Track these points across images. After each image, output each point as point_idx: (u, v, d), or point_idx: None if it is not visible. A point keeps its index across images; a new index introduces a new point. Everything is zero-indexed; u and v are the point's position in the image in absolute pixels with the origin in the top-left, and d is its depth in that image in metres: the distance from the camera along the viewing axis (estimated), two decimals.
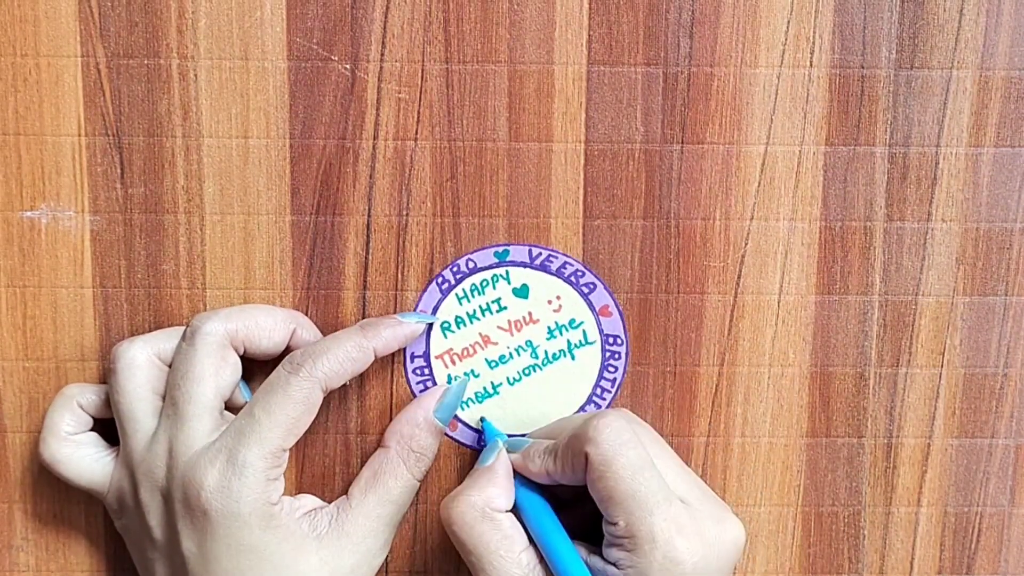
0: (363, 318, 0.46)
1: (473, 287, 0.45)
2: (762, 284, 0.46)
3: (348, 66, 0.44)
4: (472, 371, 0.45)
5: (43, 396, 0.46)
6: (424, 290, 0.45)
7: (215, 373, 0.42)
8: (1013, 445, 0.47)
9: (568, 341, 0.45)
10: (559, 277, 0.45)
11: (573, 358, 0.45)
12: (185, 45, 0.44)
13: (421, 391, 0.45)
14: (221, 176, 0.45)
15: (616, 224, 0.45)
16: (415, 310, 0.45)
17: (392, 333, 0.43)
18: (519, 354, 0.45)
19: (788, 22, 0.44)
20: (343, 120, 0.45)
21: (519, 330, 0.45)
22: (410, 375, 0.45)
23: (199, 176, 0.45)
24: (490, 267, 0.45)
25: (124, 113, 0.44)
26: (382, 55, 0.44)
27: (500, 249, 0.45)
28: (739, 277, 0.46)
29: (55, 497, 0.47)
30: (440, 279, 0.45)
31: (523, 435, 0.45)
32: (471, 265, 0.45)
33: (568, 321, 0.45)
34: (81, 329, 0.46)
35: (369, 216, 0.45)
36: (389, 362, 0.46)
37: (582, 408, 0.46)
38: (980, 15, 0.44)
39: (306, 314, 0.46)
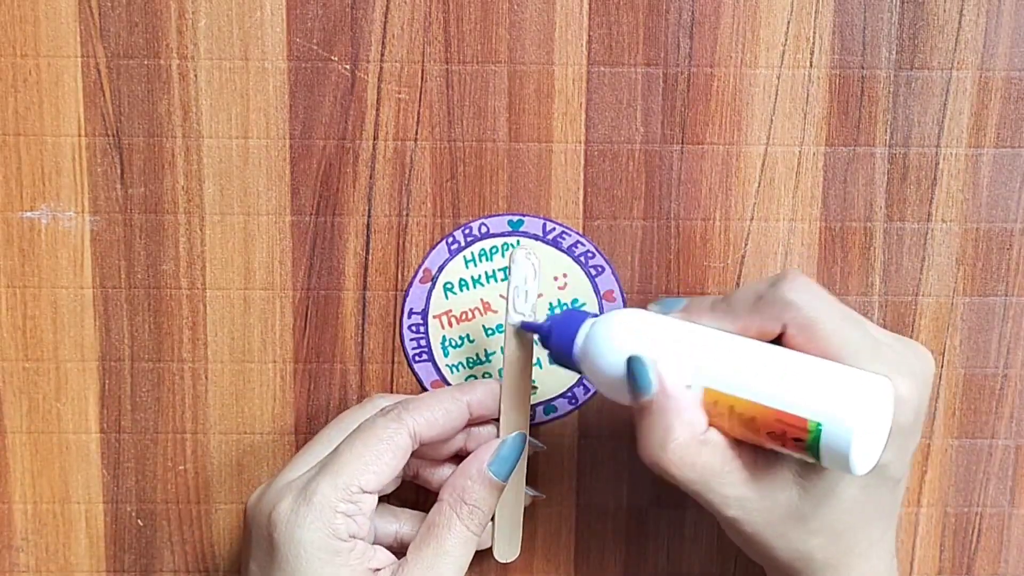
0: (363, 318, 0.46)
1: (482, 252, 0.45)
2: None
3: (348, 66, 0.44)
4: (467, 336, 0.45)
5: (43, 397, 0.46)
6: (433, 247, 0.45)
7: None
8: (1013, 445, 0.47)
9: None
10: (568, 255, 0.45)
11: None
12: (185, 45, 0.44)
13: (414, 350, 0.45)
14: (221, 176, 0.45)
15: (616, 224, 0.45)
16: (419, 267, 0.45)
17: (488, 390, 0.42)
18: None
19: (788, 23, 0.44)
20: (343, 120, 0.45)
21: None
22: (405, 331, 0.45)
23: (199, 176, 0.45)
24: (502, 235, 0.45)
25: (124, 113, 0.44)
26: (382, 55, 0.44)
27: (515, 218, 0.44)
28: (739, 278, 0.46)
29: (55, 497, 0.47)
30: (450, 239, 0.45)
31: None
32: (483, 230, 0.45)
33: (571, 300, 0.45)
34: (81, 329, 0.46)
35: (369, 216, 0.45)
36: (389, 356, 0.46)
37: (570, 389, 0.46)
38: (980, 16, 0.44)
39: (306, 315, 0.46)
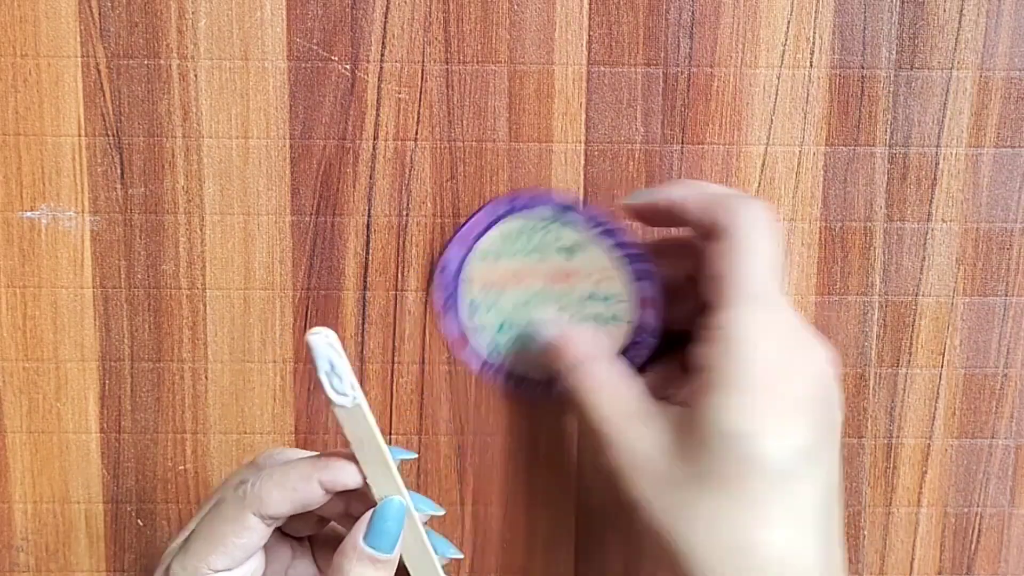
0: (363, 318, 0.46)
1: (522, 229, 0.44)
2: None
3: (348, 66, 0.44)
4: (496, 304, 0.45)
5: (43, 397, 0.46)
6: (473, 214, 0.44)
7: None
8: (1013, 445, 0.47)
9: (599, 313, 0.44)
10: (614, 253, 0.44)
11: (601, 325, 0.44)
12: (185, 45, 0.44)
13: (442, 305, 0.45)
14: (221, 176, 0.45)
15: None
16: (457, 231, 0.44)
17: (342, 467, 0.38)
18: (547, 304, 0.45)
19: (788, 22, 0.44)
20: (343, 120, 0.45)
21: (555, 282, 0.44)
22: (436, 288, 0.45)
23: (199, 176, 0.45)
24: (547, 218, 0.44)
25: (124, 113, 0.44)
26: (382, 55, 0.44)
27: (566, 204, 0.44)
28: None
29: (55, 497, 0.47)
30: (491, 208, 0.44)
31: None
32: (529, 205, 0.44)
33: (605, 296, 0.44)
34: (81, 330, 0.46)
35: (369, 216, 0.45)
36: (389, 356, 0.46)
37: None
38: (980, 15, 0.44)
39: (306, 315, 0.46)
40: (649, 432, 0.37)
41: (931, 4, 0.44)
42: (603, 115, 0.45)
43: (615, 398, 0.39)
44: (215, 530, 0.38)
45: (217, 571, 0.38)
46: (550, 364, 0.42)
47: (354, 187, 0.45)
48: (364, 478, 0.38)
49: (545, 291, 0.44)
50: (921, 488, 0.48)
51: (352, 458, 0.38)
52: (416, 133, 0.45)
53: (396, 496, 0.38)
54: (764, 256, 0.37)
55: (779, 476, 0.35)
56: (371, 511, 0.38)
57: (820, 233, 0.46)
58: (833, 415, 0.37)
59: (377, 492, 0.38)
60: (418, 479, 0.47)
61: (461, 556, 0.43)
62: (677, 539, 0.36)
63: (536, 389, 0.45)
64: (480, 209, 0.44)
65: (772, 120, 0.45)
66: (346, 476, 0.38)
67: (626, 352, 0.44)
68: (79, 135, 0.44)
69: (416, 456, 0.46)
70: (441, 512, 0.40)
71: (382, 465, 0.38)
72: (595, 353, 0.41)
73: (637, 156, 0.45)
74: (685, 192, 0.40)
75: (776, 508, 0.35)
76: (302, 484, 0.38)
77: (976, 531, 0.48)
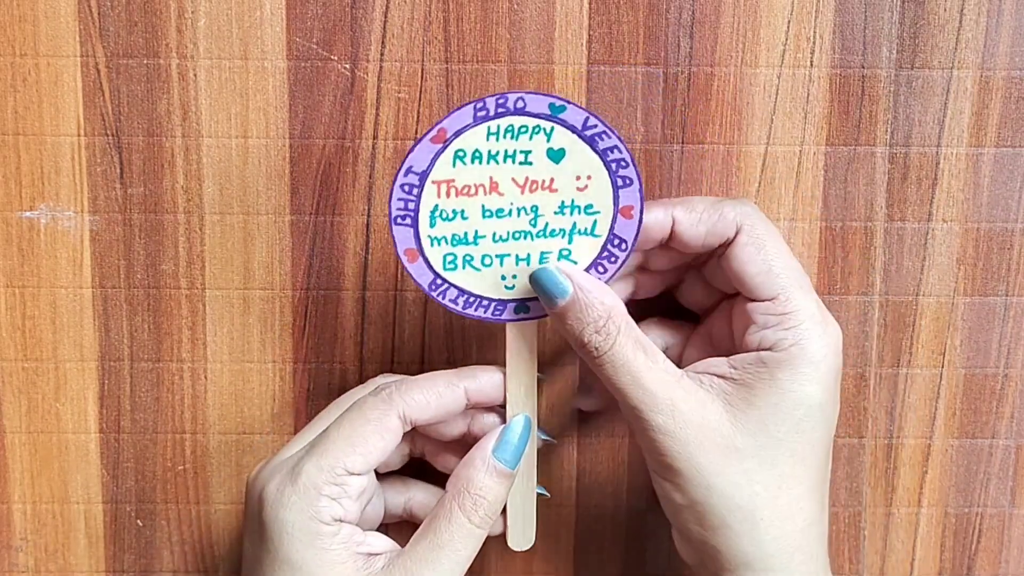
0: (363, 318, 0.46)
1: (509, 127, 0.40)
2: None
3: (348, 66, 0.44)
4: (462, 212, 0.41)
5: (42, 397, 0.46)
6: (457, 109, 0.39)
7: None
8: (1013, 446, 0.47)
9: (574, 224, 0.41)
10: (600, 157, 0.40)
11: (570, 242, 0.41)
12: (185, 45, 0.44)
13: (399, 210, 0.40)
14: (220, 176, 0.45)
15: None
16: (435, 125, 0.39)
17: (489, 379, 0.41)
18: (519, 215, 0.41)
19: (788, 22, 0.44)
20: (343, 120, 0.44)
21: (532, 191, 0.41)
22: (396, 188, 0.40)
23: (198, 176, 0.45)
24: (538, 116, 0.40)
25: (124, 113, 0.44)
26: (382, 55, 0.44)
27: (558, 103, 0.40)
28: None
29: (54, 497, 0.47)
30: (480, 105, 0.39)
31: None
32: (519, 104, 0.40)
33: (585, 205, 0.41)
34: (80, 329, 0.46)
35: (369, 216, 0.45)
36: (389, 356, 0.46)
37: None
38: (981, 15, 0.44)
39: (305, 315, 0.46)
40: (702, 402, 0.39)
41: (932, 3, 0.44)
42: (603, 114, 0.44)
43: (656, 366, 0.39)
44: (356, 430, 0.39)
45: (352, 473, 0.39)
46: (566, 316, 0.39)
47: (354, 186, 0.45)
48: (504, 394, 0.41)
49: (520, 200, 0.41)
50: (921, 488, 0.48)
51: (495, 374, 0.41)
52: (416, 132, 0.45)
53: (527, 415, 0.41)
54: (783, 245, 0.40)
55: (831, 443, 0.41)
56: (502, 426, 0.41)
57: (820, 233, 0.46)
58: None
59: (511, 410, 0.41)
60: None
61: (547, 495, 0.44)
62: (742, 506, 0.39)
63: (490, 311, 0.42)
64: (464, 104, 0.40)
65: (772, 120, 0.45)
66: (492, 387, 0.41)
67: (595, 264, 0.41)
68: (78, 135, 0.44)
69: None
70: (554, 441, 0.44)
71: (528, 384, 0.41)
72: (622, 313, 0.40)
73: (637, 155, 0.45)
74: (673, 216, 0.41)
75: (823, 471, 0.40)
76: (447, 390, 0.40)
77: (976, 531, 0.48)
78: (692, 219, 0.40)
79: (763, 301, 0.39)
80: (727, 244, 0.40)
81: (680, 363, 0.43)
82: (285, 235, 0.45)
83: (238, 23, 0.44)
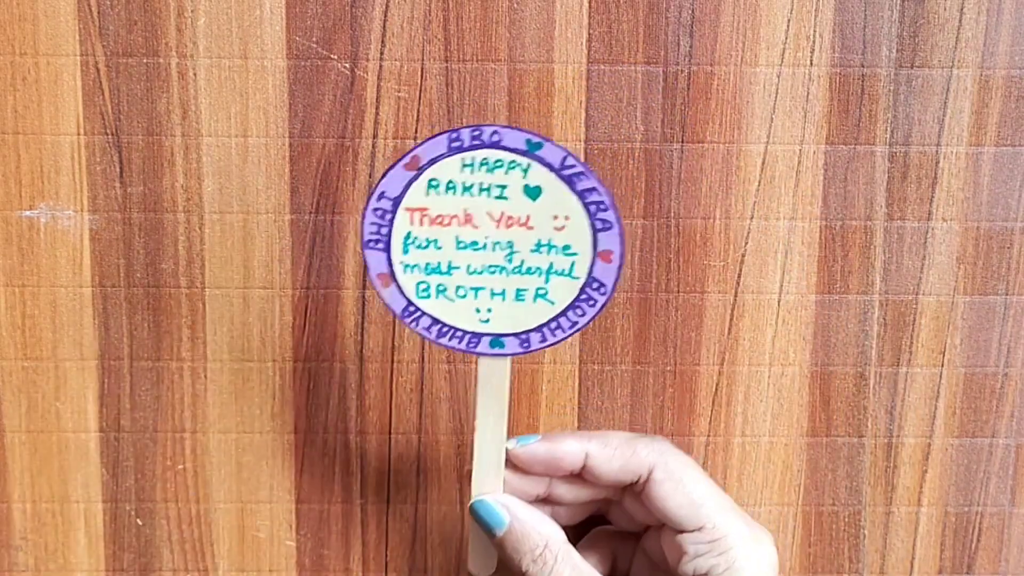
0: (363, 317, 0.46)
1: (485, 160, 0.39)
2: (762, 283, 0.46)
3: (348, 65, 0.44)
4: (436, 242, 0.40)
5: (42, 396, 0.46)
6: (431, 137, 0.39)
7: None
8: (1013, 445, 0.47)
9: (551, 264, 0.40)
10: (579, 198, 0.39)
11: (547, 282, 0.40)
12: (184, 44, 0.44)
13: (371, 235, 0.40)
14: (220, 175, 0.45)
15: None
16: (409, 152, 0.39)
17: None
18: (494, 250, 0.40)
19: (788, 21, 0.44)
20: (343, 119, 0.44)
21: (508, 226, 0.40)
22: (368, 213, 0.40)
23: (198, 175, 0.45)
24: (514, 151, 0.39)
25: (123, 112, 0.44)
26: (382, 54, 0.44)
27: (535, 139, 0.39)
28: (739, 276, 0.46)
29: (54, 496, 0.47)
30: (454, 136, 0.39)
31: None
32: (495, 138, 0.39)
33: (563, 245, 0.40)
34: (80, 328, 0.46)
35: None
36: (389, 355, 0.46)
37: (526, 333, 0.41)
38: (981, 14, 0.44)
39: (305, 314, 0.46)
40: None
41: (931, 2, 0.44)
42: (603, 113, 0.44)
43: None
44: None
45: None
46: (504, 546, 0.41)
47: (354, 185, 0.45)
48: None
49: (495, 235, 0.40)
50: (921, 487, 0.48)
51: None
52: (416, 131, 0.45)
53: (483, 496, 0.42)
54: (700, 474, 0.40)
55: None
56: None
57: (820, 232, 0.46)
58: None
59: (479, 440, 0.41)
60: (418, 479, 0.47)
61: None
62: None
63: (464, 343, 0.41)
64: (439, 134, 0.39)
65: (772, 119, 0.45)
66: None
67: (572, 307, 0.41)
68: (78, 133, 0.44)
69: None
70: (536, 439, 0.43)
71: (498, 414, 0.41)
72: (560, 541, 0.41)
73: (637, 155, 0.45)
74: (585, 449, 0.41)
75: None
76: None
77: (976, 530, 0.48)
78: (606, 454, 0.41)
79: (691, 532, 0.40)
80: (643, 482, 0.40)
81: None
82: (285, 234, 0.45)
83: (238, 22, 0.44)
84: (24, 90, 0.44)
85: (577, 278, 0.40)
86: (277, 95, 0.44)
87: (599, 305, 0.40)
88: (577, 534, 0.43)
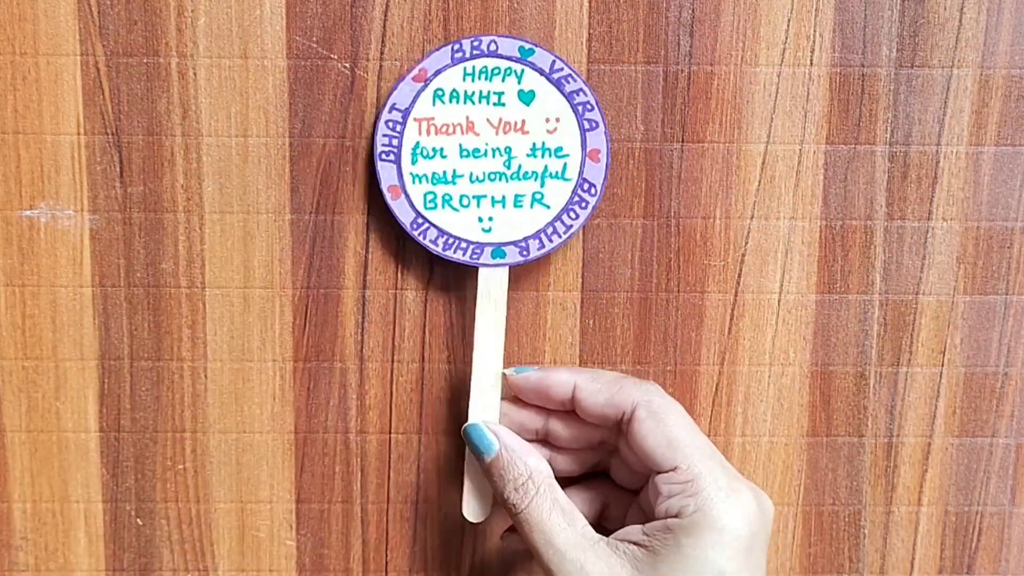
0: (363, 317, 0.46)
1: (483, 69, 0.43)
2: (762, 283, 0.46)
3: (348, 64, 0.44)
4: (441, 150, 0.43)
5: (42, 396, 0.46)
6: (436, 49, 0.43)
7: None
8: (1014, 444, 0.47)
9: (545, 167, 0.43)
10: (568, 100, 0.43)
11: (542, 185, 0.43)
12: (184, 44, 0.44)
13: (384, 147, 0.43)
14: (220, 175, 0.45)
15: (616, 223, 0.45)
16: (416, 65, 0.43)
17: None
18: (494, 156, 0.43)
19: (788, 21, 0.44)
20: (343, 118, 0.44)
21: (506, 132, 0.43)
22: (380, 125, 0.43)
23: (198, 175, 0.45)
24: (509, 59, 0.43)
25: (123, 112, 0.44)
26: (382, 53, 0.44)
27: (528, 46, 0.43)
28: (739, 276, 0.46)
29: (54, 496, 0.47)
30: (456, 46, 0.43)
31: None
32: (492, 47, 0.43)
33: (555, 148, 0.43)
34: (80, 328, 0.46)
35: (369, 215, 0.45)
36: (389, 354, 0.46)
37: (525, 240, 0.44)
38: (981, 14, 0.44)
39: (305, 314, 0.46)
40: (612, 567, 0.40)
41: (931, 2, 0.44)
42: (603, 113, 0.44)
43: (570, 528, 0.40)
44: None
45: None
46: (490, 471, 0.42)
47: (354, 185, 0.45)
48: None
49: (494, 141, 0.43)
50: (921, 487, 0.48)
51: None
52: None
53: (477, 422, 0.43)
54: (684, 418, 0.41)
55: None
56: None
57: (820, 232, 0.46)
58: (766, 546, 0.41)
59: (478, 355, 0.44)
60: (418, 478, 0.47)
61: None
62: None
63: (467, 254, 0.44)
64: (443, 45, 0.43)
65: (772, 118, 0.45)
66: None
67: (567, 209, 0.44)
68: (78, 133, 0.44)
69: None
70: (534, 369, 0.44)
71: (497, 330, 0.44)
72: (545, 475, 0.42)
73: (637, 154, 0.45)
74: (574, 380, 0.42)
75: None
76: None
77: (976, 530, 0.48)
78: (594, 388, 0.42)
79: (667, 472, 0.40)
80: (627, 420, 0.41)
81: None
82: (285, 234, 0.45)
83: (238, 22, 0.44)
84: (24, 90, 0.44)
85: (569, 179, 0.44)
86: (277, 95, 0.44)
87: (590, 207, 0.44)
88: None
